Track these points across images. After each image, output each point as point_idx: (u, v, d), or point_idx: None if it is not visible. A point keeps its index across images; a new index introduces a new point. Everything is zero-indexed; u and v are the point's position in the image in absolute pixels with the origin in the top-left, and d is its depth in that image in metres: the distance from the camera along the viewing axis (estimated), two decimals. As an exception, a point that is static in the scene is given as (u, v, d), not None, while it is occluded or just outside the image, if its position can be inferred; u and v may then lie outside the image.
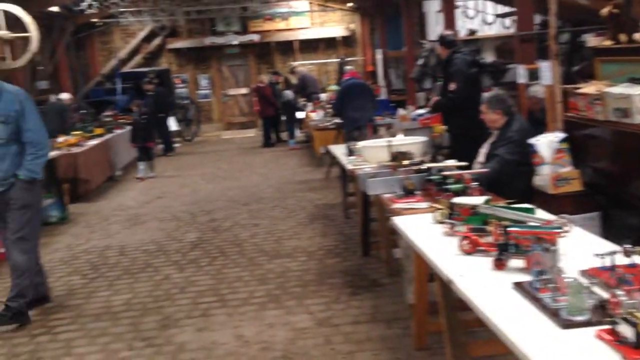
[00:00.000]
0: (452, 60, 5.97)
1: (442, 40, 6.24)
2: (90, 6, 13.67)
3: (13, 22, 9.30)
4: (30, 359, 3.72)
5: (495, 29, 10.74)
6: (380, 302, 4.17)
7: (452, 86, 5.93)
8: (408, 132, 6.15)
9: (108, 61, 16.25)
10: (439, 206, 3.07)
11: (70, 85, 13.80)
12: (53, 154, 7.84)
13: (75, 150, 8.69)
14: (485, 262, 2.44)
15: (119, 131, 10.92)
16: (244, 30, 16.60)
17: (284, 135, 13.67)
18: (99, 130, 10.36)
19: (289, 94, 13.30)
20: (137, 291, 4.79)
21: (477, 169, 3.93)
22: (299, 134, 13.40)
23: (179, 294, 4.67)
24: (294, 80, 14.46)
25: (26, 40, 9.26)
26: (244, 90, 17.06)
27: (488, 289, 2.23)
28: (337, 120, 8.87)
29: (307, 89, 13.47)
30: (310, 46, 16.80)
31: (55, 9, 12.78)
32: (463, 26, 10.89)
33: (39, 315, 4.39)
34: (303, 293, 4.47)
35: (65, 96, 11.08)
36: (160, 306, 4.43)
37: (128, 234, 6.63)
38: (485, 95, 4.35)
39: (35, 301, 4.39)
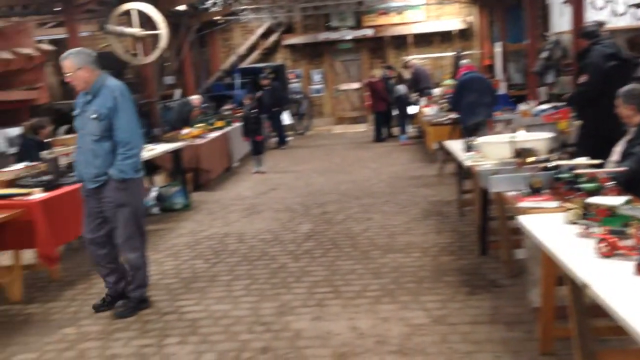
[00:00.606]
0: (588, 52, 5.64)
1: (583, 31, 5.92)
2: (214, 4, 14.32)
3: (144, 21, 9.96)
4: (160, 335, 3.97)
5: (626, 21, 10.00)
6: (500, 303, 4.03)
7: (583, 79, 5.60)
8: (530, 128, 5.89)
9: (228, 57, 16.96)
10: (572, 206, 2.91)
11: (193, 81, 14.55)
12: (178, 145, 8.34)
13: (198, 141, 9.17)
14: (625, 267, 2.29)
15: (237, 124, 11.38)
16: (358, 25, 16.67)
17: (396, 130, 13.58)
18: (219, 123, 10.86)
19: (401, 88, 13.20)
20: (256, 277, 4.96)
21: (612, 167, 3.68)
22: (410, 129, 13.26)
23: (295, 282, 4.79)
24: (407, 74, 14.32)
25: (156, 37, 9.90)
26: (356, 85, 17.15)
27: (630, 295, 2.09)
28: (453, 115, 8.68)
29: (420, 84, 13.29)
30: (425, 40, 16.54)
31: (182, 7, 13.52)
32: (591, 18, 10.25)
33: (167, 295, 4.69)
34: (418, 289, 4.43)
35: (195, 98, 11.58)
36: (277, 293, 4.57)
37: (246, 223, 6.89)
38: (622, 89, 4.07)
39: (117, 298, 4.44)
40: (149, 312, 4.37)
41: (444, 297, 4.23)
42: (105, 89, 4.11)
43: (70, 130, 8.93)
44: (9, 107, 9.01)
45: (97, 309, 4.43)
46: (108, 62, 13.52)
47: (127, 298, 4.43)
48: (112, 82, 4.19)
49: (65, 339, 4.02)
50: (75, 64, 4.10)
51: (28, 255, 5.18)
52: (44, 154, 5.61)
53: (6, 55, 8.75)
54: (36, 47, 9.53)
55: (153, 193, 7.69)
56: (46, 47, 10.09)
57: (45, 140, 6.80)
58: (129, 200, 4.21)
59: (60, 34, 11.50)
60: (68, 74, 4.14)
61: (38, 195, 4.80)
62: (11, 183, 5.22)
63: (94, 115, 4.09)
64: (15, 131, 8.24)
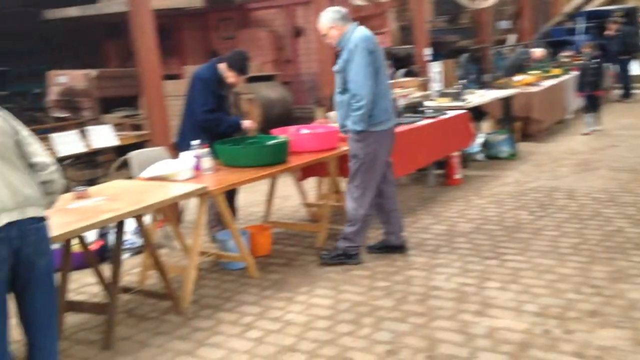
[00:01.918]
0: None
1: None
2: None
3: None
4: (480, 277, 4.01)
5: None
6: None
7: None
8: None
9: (572, -1, 15.60)
10: None
11: (530, 25, 13.82)
12: (510, 92, 8.08)
13: (531, 89, 8.75)
14: None
15: (574, 73, 10.48)
16: None
17: None
18: (555, 71, 10.15)
19: None
20: (586, 237, 4.60)
21: None
22: None
23: (634, 249, 4.29)
24: None
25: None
26: None
27: None
28: None
29: None
30: None
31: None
32: None
33: (488, 240, 4.69)
34: None
35: (537, 51, 10.96)
36: (611, 258, 4.16)
37: (577, 179, 6.39)
38: None
39: (385, 248, 4.51)
40: (469, 253, 4.44)
41: None
42: (348, 42, 4.12)
43: (408, 74, 9.43)
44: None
45: (371, 249, 4.58)
46: (445, 8, 13.77)
47: (335, 247, 4.47)
48: (355, 35, 4.14)
49: (393, 264, 4.37)
50: (326, 24, 4.24)
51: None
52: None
53: (360, 1, 9.57)
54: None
55: (479, 139, 7.67)
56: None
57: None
58: (361, 153, 4.21)
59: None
60: (323, 35, 4.30)
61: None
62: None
63: (335, 68, 4.22)
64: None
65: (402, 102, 6.20)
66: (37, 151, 2.58)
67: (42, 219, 2.51)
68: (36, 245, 2.45)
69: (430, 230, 5.07)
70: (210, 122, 4.70)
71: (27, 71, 10.07)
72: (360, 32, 4.16)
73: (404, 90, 6.55)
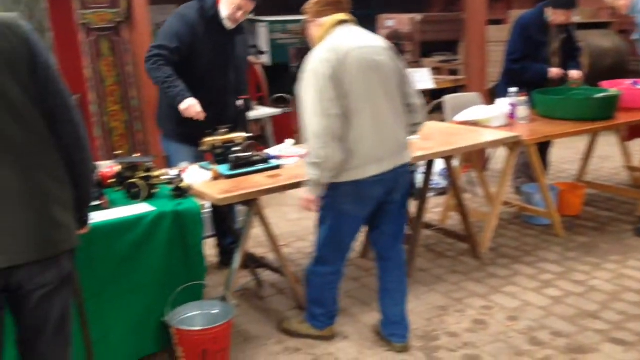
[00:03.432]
0: None
1: None
2: None
3: None
4: None
5: None
6: None
7: None
8: None
9: None
10: None
11: None
12: None
13: None
14: None
15: None
16: None
17: None
18: None
19: None
20: None
21: None
22: None
23: None
24: None
25: None
26: None
27: None
28: None
29: None
30: None
31: None
32: None
33: None
34: None
35: None
36: None
37: None
38: None
39: None
40: None
41: None
42: None
43: None
44: None
45: None
46: None
47: None
48: None
49: None
50: None
51: None
52: None
53: None
54: None
55: None
56: None
57: None
58: None
59: None
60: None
61: None
62: None
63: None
64: None
65: None
66: (413, 92, 2.69)
67: (409, 163, 2.70)
68: (404, 186, 2.70)
69: None
70: (514, 71, 4.56)
71: (360, 15, 10.88)
72: None
73: None
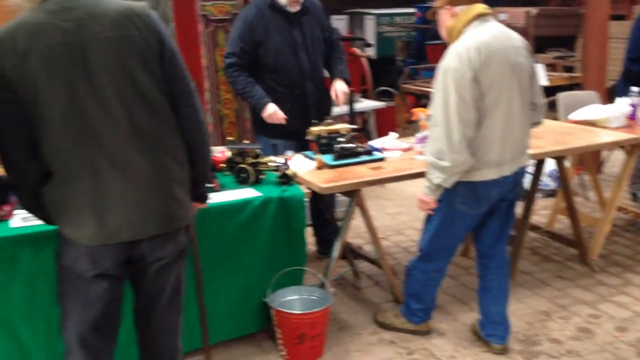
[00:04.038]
0: None
1: None
2: None
3: None
4: None
5: None
6: None
7: None
8: None
9: None
10: None
11: None
12: None
13: None
14: None
15: None
16: None
17: None
18: None
19: None
20: None
21: None
22: None
23: None
24: None
25: None
26: None
27: None
28: None
29: None
30: None
31: None
32: None
33: None
34: None
35: None
36: None
37: None
38: None
39: None
40: None
41: None
42: None
43: None
44: None
45: None
46: None
47: None
48: None
49: None
50: None
51: None
52: None
53: None
54: None
55: None
56: None
57: None
58: None
59: None
60: None
61: None
62: None
63: None
64: None
65: None
66: (539, 91, 2.62)
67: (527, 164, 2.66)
68: (519, 186, 2.66)
69: None
70: (632, 72, 4.22)
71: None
72: None
73: None
